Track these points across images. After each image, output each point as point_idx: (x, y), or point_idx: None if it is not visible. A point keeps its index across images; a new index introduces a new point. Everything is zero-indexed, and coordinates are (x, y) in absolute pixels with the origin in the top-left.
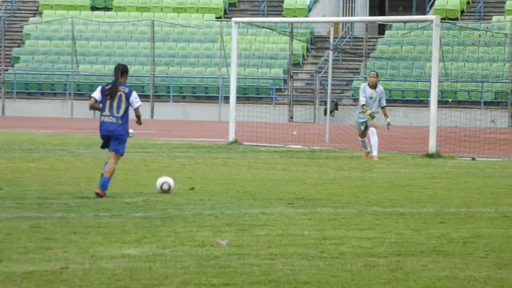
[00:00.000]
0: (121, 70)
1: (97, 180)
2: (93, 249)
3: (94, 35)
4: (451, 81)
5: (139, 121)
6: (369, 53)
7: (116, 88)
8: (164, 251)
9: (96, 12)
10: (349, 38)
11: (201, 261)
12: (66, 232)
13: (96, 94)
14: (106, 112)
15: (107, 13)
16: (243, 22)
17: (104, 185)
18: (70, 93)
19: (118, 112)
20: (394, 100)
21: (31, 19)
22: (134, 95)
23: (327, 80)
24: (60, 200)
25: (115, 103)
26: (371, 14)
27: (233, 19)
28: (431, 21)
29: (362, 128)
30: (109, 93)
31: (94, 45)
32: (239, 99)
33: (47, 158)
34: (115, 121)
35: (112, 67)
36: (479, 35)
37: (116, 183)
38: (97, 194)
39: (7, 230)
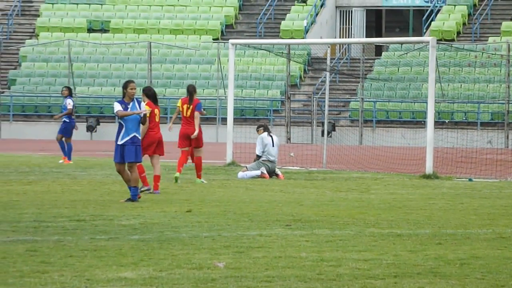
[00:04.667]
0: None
1: (94, 202)
2: (90, 272)
3: (91, 57)
4: (448, 102)
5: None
6: (366, 74)
7: None
8: (161, 274)
9: (93, 34)
10: (346, 59)
11: (198, 284)
12: (62, 256)
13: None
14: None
15: (104, 35)
16: (240, 44)
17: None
18: None
19: None
20: (391, 121)
21: (28, 41)
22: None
23: (324, 101)
24: (56, 223)
25: None
26: (367, 35)
27: (230, 40)
28: (428, 42)
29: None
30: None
31: (91, 67)
32: (236, 121)
33: (44, 181)
34: None
35: (109, 89)
36: (475, 56)
37: (113, 205)
38: None
39: (2, 253)
